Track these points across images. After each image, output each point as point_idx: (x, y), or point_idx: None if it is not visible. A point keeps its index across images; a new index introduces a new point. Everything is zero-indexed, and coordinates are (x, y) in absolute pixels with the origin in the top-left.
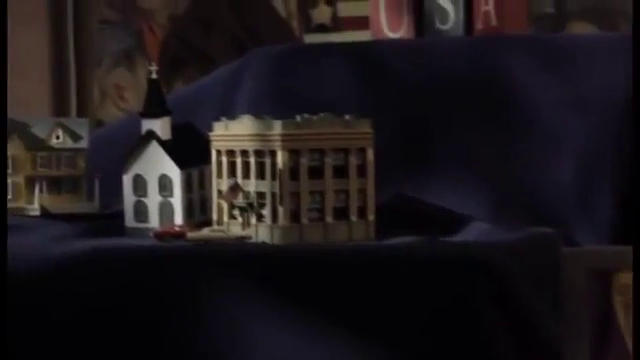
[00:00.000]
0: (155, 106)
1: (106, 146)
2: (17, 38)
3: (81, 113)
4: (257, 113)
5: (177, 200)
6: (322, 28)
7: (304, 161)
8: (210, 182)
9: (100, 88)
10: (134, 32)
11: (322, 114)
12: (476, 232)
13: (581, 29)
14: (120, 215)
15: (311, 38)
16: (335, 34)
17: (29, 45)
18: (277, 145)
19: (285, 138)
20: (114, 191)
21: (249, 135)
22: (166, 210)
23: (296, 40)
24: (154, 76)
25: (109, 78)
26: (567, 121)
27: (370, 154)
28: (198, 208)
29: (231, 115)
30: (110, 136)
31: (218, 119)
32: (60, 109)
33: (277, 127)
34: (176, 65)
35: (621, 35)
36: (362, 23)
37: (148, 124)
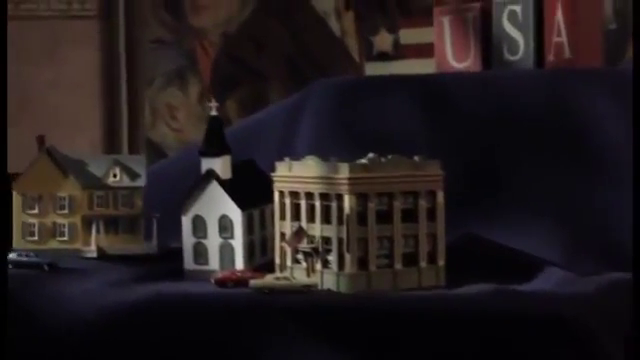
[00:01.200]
0: (215, 145)
1: (163, 182)
2: (69, 58)
3: (132, 133)
4: (319, 149)
5: (238, 242)
6: (383, 56)
7: (372, 205)
8: (272, 221)
9: (152, 107)
10: (186, 51)
11: (390, 156)
12: (551, 281)
13: None
14: (179, 255)
15: (372, 67)
16: (397, 62)
17: (81, 65)
18: (344, 189)
19: (353, 182)
20: (172, 228)
21: (314, 177)
22: (226, 252)
23: (351, 58)
24: (214, 113)
25: (161, 97)
26: None
27: (440, 197)
28: (259, 249)
29: (292, 150)
30: (167, 171)
31: (279, 154)
32: (111, 129)
33: (344, 170)
34: (228, 84)
35: None
36: (425, 50)
37: (208, 163)
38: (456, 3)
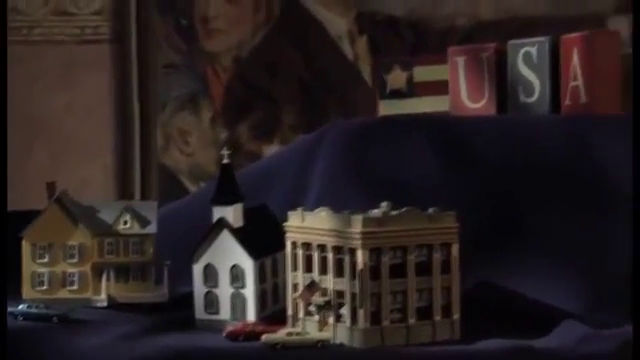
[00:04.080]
0: (227, 193)
1: (175, 226)
2: (82, 83)
3: (144, 157)
4: (333, 194)
5: (250, 292)
6: (397, 94)
7: (385, 260)
8: (284, 269)
9: (164, 132)
10: (198, 76)
11: (404, 208)
12: (570, 336)
13: None
14: (190, 302)
15: (386, 105)
16: (411, 100)
17: (93, 89)
18: (357, 243)
19: (366, 236)
20: (184, 273)
21: (327, 230)
22: (238, 302)
23: (364, 83)
24: (226, 161)
25: (173, 122)
26: None
27: (455, 249)
28: (271, 298)
29: (306, 194)
30: (178, 215)
31: (293, 198)
32: (123, 153)
33: (357, 224)
34: (241, 108)
35: None
36: (439, 88)
37: (220, 211)
38: (471, 44)
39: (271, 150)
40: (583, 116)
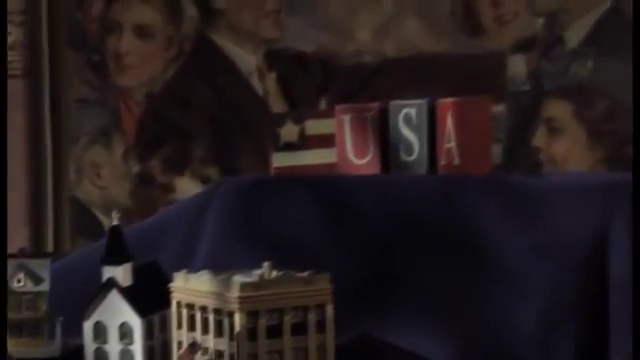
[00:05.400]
0: (116, 253)
1: (68, 281)
2: None
3: (57, 191)
4: (221, 251)
5: (138, 348)
6: (290, 146)
7: (262, 322)
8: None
9: (77, 166)
10: (111, 110)
11: (281, 272)
12: None
13: (557, 107)
14: (81, 355)
15: (279, 157)
16: (303, 152)
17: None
18: (235, 307)
19: (243, 300)
20: (77, 326)
21: (208, 292)
22: (127, 358)
23: (273, 117)
24: (116, 222)
25: (86, 156)
26: (530, 267)
27: (330, 310)
28: (160, 353)
29: (195, 252)
30: (72, 268)
31: (182, 256)
32: (36, 189)
33: (235, 289)
34: (154, 142)
35: (589, 177)
36: (329, 141)
37: (109, 271)
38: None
39: (182, 183)
40: (456, 176)
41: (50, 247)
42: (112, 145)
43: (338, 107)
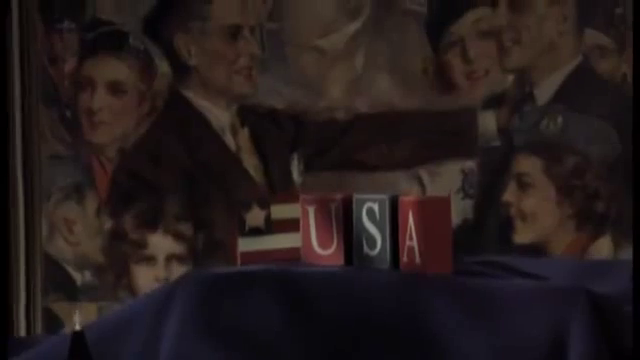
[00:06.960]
0: (78, 359)
1: None
2: None
3: (29, 247)
4: (184, 348)
5: None
6: (256, 231)
7: None
8: None
9: (49, 222)
10: (83, 166)
11: None
12: None
13: (527, 163)
14: None
15: (245, 242)
16: (269, 237)
17: None
18: None
19: None
20: None
21: None
22: None
23: (246, 172)
24: (78, 328)
25: (58, 212)
26: None
27: None
28: None
29: (158, 349)
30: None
31: (148, 348)
32: (7, 245)
33: None
34: (126, 198)
35: (545, 285)
36: (294, 226)
37: None
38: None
39: (155, 239)
40: (417, 275)
41: (22, 303)
42: (85, 201)
43: (302, 197)
